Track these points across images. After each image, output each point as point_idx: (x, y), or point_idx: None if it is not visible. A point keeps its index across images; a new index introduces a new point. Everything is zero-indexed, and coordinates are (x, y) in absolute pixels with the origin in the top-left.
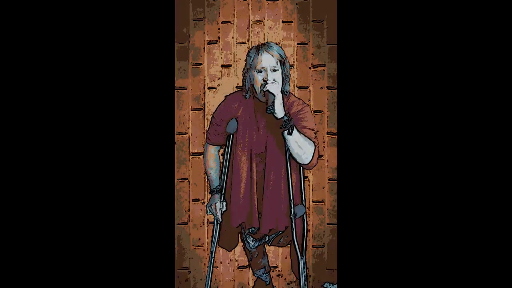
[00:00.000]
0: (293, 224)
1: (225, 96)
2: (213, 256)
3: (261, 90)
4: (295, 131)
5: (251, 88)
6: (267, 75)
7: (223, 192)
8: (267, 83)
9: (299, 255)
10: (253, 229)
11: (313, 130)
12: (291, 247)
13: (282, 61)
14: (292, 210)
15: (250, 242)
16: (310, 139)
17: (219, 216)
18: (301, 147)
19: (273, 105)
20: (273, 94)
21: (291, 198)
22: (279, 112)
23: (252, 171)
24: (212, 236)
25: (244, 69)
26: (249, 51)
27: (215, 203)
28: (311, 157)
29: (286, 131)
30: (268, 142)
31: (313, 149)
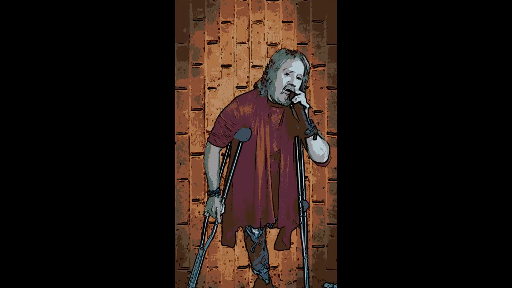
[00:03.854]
0: (301, 218)
1: (235, 98)
2: (204, 253)
3: (283, 91)
4: (318, 136)
5: (271, 87)
6: (293, 79)
7: (225, 195)
8: (295, 93)
9: (304, 250)
10: (269, 224)
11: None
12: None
13: (307, 73)
14: (300, 204)
15: (256, 231)
16: (324, 139)
17: (219, 218)
18: (322, 149)
19: (306, 117)
20: (304, 106)
21: (300, 192)
22: (308, 121)
23: (267, 171)
24: (202, 233)
25: (267, 66)
26: (278, 52)
27: (216, 207)
28: (327, 157)
29: (312, 137)
30: (282, 142)
31: (329, 148)
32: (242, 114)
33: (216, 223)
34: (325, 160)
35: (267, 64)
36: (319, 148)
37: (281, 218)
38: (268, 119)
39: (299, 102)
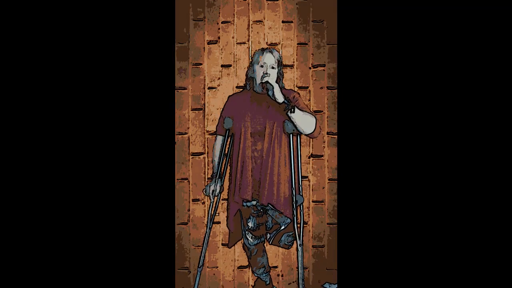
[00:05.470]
0: (295, 211)
1: (228, 96)
2: (209, 232)
3: (260, 80)
4: (296, 109)
5: (251, 81)
6: (266, 69)
7: (217, 176)
8: (265, 77)
9: (298, 242)
10: (248, 202)
11: (308, 107)
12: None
13: (280, 63)
14: (294, 197)
15: (249, 238)
16: (309, 113)
17: (211, 196)
18: (304, 120)
19: (273, 92)
20: (271, 85)
21: (293, 186)
22: (279, 98)
23: (247, 149)
24: (208, 213)
25: (249, 64)
26: (255, 52)
27: (210, 185)
28: (314, 126)
29: (289, 111)
30: (268, 124)
31: (314, 119)
32: (229, 106)
33: (211, 201)
34: (311, 130)
35: (249, 65)
36: (300, 119)
37: (264, 195)
38: (250, 104)
39: (267, 82)
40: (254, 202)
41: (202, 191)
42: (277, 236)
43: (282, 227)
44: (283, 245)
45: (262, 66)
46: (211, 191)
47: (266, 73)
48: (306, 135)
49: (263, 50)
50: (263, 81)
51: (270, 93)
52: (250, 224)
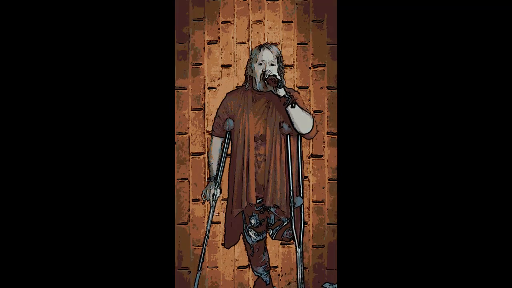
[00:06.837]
0: (292, 212)
1: (226, 94)
2: (207, 235)
3: (260, 79)
4: (296, 105)
5: (250, 80)
6: (265, 67)
7: (217, 180)
8: (269, 71)
9: (296, 244)
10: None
11: (306, 106)
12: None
13: (279, 58)
14: (292, 199)
15: (252, 235)
16: (307, 112)
17: (211, 200)
18: (302, 117)
19: (282, 83)
20: (276, 76)
21: (291, 188)
22: (281, 91)
23: (250, 153)
24: (208, 217)
25: (247, 63)
26: (252, 50)
27: (210, 189)
28: (311, 126)
29: (290, 105)
30: (268, 126)
31: (312, 119)
32: (229, 105)
33: (211, 206)
34: (309, 130)
35: (247, 63)
36: (299, 116)
37: (267, 200)
38: (252, 104)
39: (274, 75)
40: (258, 201)
41: (201, 196)
42: (280, 231)
43: (285, 223)
44: (285, 238)
45: (260, 64)
46: (211, 195)
47: (267, 70)
48: (302, 135)
49: (260, 47)
50: (271, 75)
51: (279, 83)
52: (253, 221)
